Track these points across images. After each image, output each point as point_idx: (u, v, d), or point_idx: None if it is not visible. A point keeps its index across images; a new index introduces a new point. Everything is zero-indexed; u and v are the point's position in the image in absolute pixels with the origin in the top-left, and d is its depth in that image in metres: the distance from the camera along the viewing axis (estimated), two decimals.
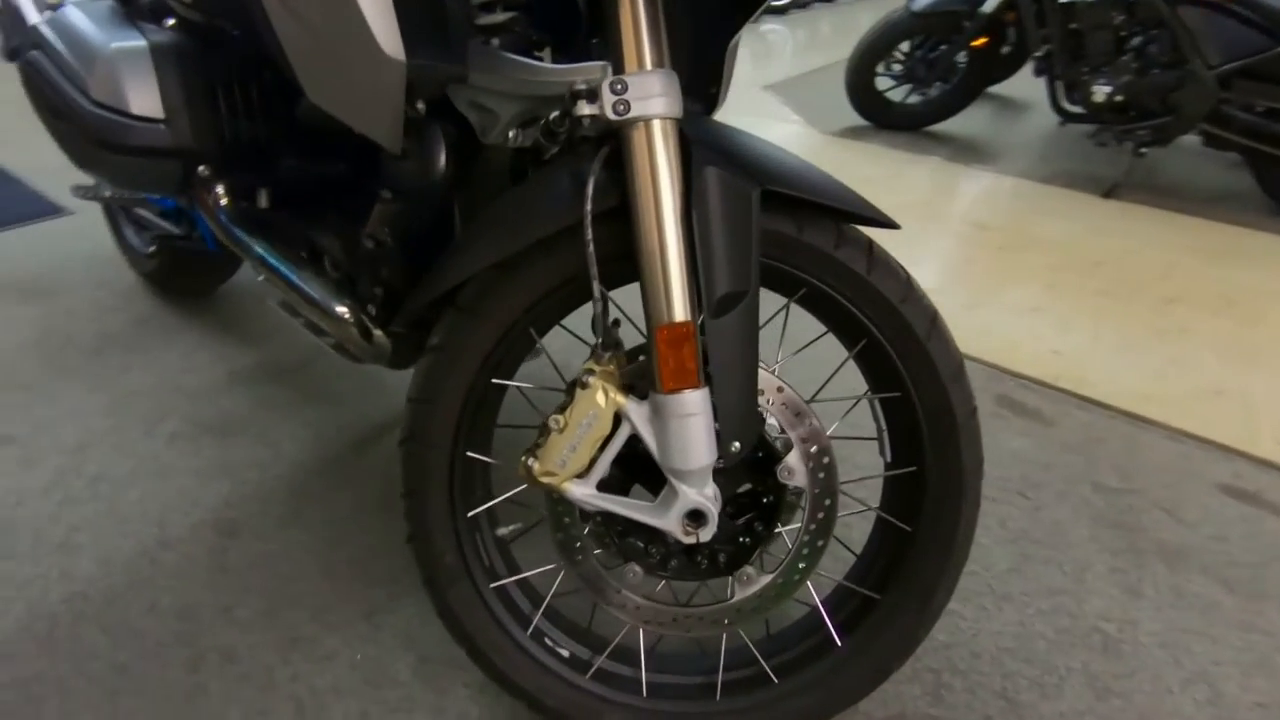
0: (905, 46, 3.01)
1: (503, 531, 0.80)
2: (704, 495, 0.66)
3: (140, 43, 0.77)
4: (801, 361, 0.90)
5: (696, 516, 0.66)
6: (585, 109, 0.59)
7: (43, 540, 1.05)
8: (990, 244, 2.15)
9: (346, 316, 0.81)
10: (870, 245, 0.70)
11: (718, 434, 0.65)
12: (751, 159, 0.65)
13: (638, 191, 0.60)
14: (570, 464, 0.66)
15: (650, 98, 0.58)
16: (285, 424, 1.29)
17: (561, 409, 0.66)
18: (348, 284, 0.83)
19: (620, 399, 0.65)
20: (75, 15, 0.84)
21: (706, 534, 0.66)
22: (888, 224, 0.71)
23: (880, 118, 3.16)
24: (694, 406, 0.63)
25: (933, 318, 0.71)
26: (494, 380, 0.72)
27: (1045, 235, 2.20)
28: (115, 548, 1.04)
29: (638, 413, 0.65)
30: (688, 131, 0.63)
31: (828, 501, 0.71)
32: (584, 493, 0.67)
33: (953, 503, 0.73)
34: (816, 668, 0.77)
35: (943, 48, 2.91)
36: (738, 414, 0.65)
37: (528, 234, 0.65)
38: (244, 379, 1.40)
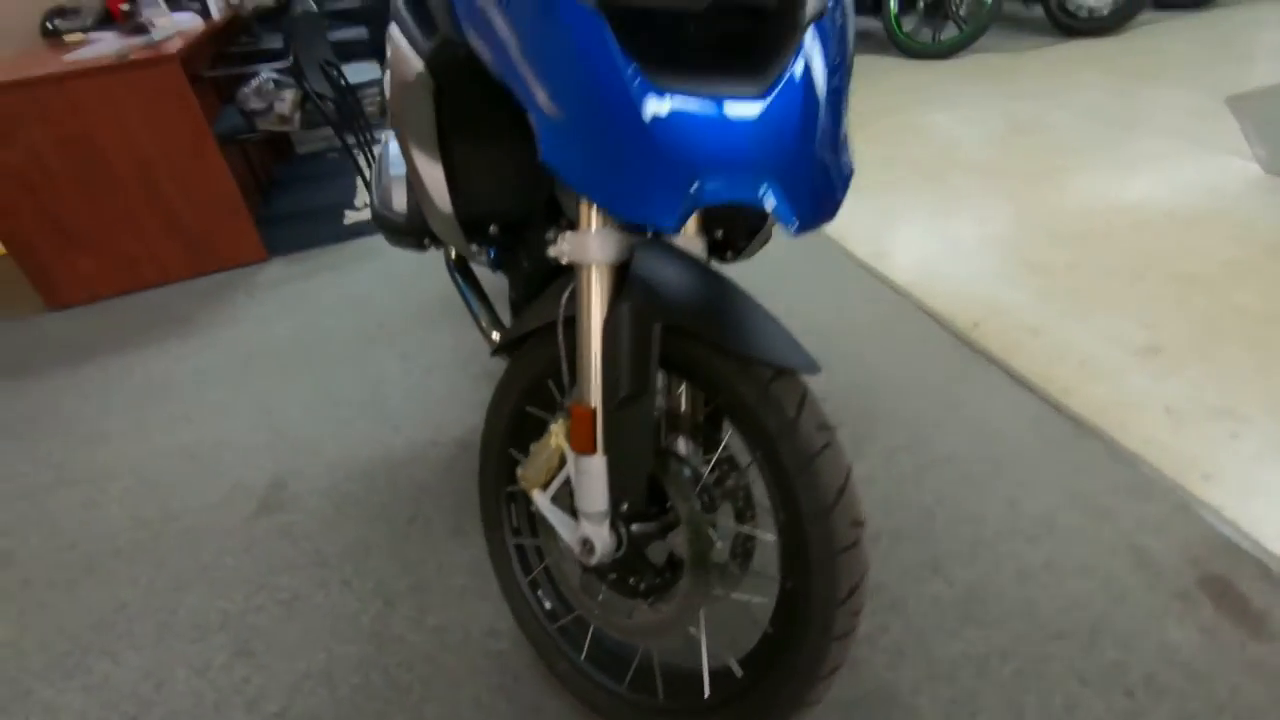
0: None
1: (534, 508, 1.15)
2: (596, 531, 0.89)
3: (402, 173, 1.31)
4: None
5: (588, 545, 0.90)
6: (552, 250, 0.87)
7: (385, 416, 1.80)
8: None
9: (496, 341, 1.24)
10: (769, 381, 0.80)
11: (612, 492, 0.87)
12: (671, 296, 0.82)
13: (579, 309, 0.86)
14: (534, 478, 0.97)
15: (586, 249, 0.82)
16: None
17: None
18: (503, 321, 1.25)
19: (565, 445, 0.92)
20: (388, 149, 1.44)
21: (593, 560, 0.90)
22: (802, 368, 0.79)
23: None
24: (590, 468, 0.87)
25: (810, 458, 0.78)
26: (528, 408, 1.05)
27: None
28: (413, 436, 1.72)
29: (570, 459, 0.91)
30: (635, 268, 0.84)
31: (702, 569, 0.87)
32: (540, 500, 0.97)
33: (799, 629, 0.80)
34: (686, 691, 0.93)
35: None
36: (625, 482, 0.86)
37: (541, 318, 0.96)
38: None
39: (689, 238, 0.92)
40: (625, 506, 0.87)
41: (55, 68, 2.30)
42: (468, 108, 0.94)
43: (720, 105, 0.61)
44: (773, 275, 2.20)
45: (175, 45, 2.52)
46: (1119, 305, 1.83)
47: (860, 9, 4.48)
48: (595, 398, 0.85)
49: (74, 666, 1.26)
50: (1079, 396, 1.55)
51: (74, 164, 2.39)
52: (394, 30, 0.96)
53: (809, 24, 0.64)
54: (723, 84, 0.63)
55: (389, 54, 0.98)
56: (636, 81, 0.59)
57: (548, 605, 1.11)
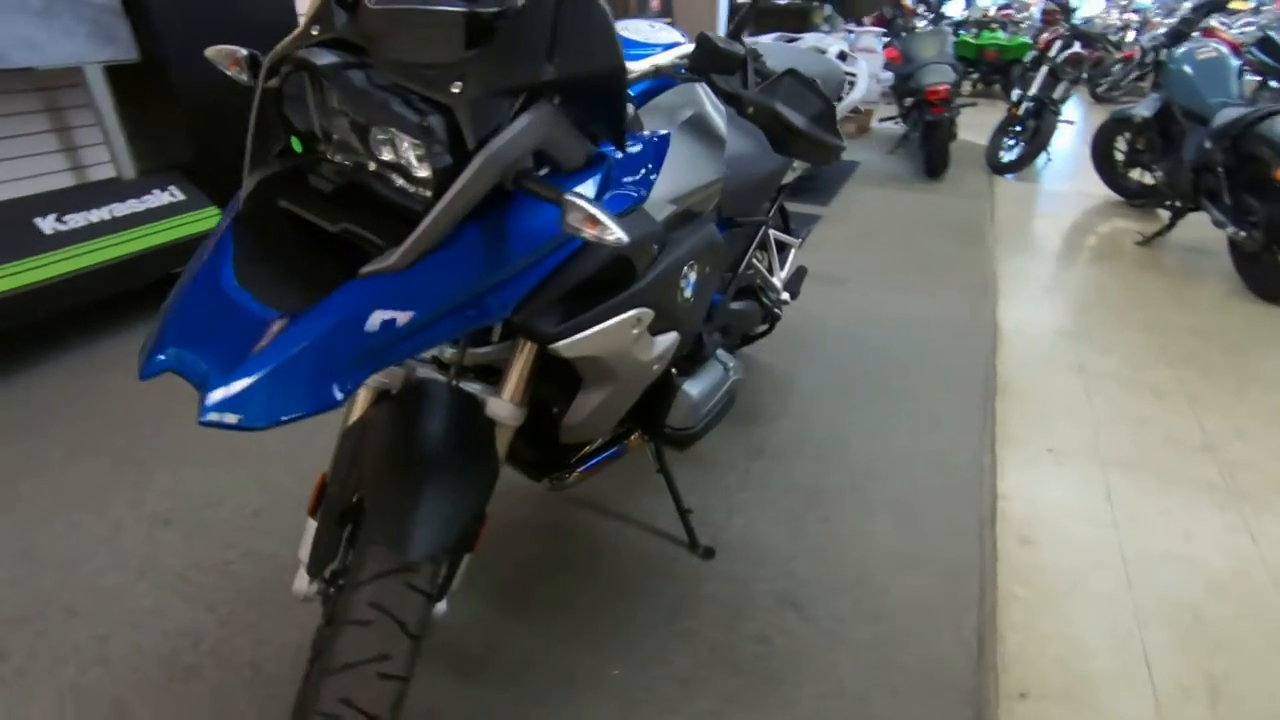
0: None
1: None
2: (300, 573, 1.08)
3: None
4: None
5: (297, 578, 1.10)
6: None
7: None
8: None
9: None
10: (372, 541, 0.90)
11: None
12: (377, 432, 0.96)
13: (350, 409, 1.06)
14: None
15: None
16: None
17: None
18: None
19: None
20: None
21: (295, 586, 1.09)
22: (397, 551, 0.86)
23: None
24: (309, 525, 1.07)
25: (345, 622, 0.86)
26: None
27: None
28: None
29: None
30: (394, 397, 1.01)
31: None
32: None
33: None
34: None
35: None
36: (320, 550, 1.05)
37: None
38: None
39: (501, 402, 1.04)
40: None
41: None
42: None
43: (238, 309, 0.74)
44: (879, 493, 1.88)
45: None
46: None
47: None
48: (330, 475, 1.05)
49: (206, 462, 1.96)
50: None
51: None
52: None
53: (365, 275, 0.72)
54: (291, 297, 0.75)
55: None
56: (214, 269, 0.77)
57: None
